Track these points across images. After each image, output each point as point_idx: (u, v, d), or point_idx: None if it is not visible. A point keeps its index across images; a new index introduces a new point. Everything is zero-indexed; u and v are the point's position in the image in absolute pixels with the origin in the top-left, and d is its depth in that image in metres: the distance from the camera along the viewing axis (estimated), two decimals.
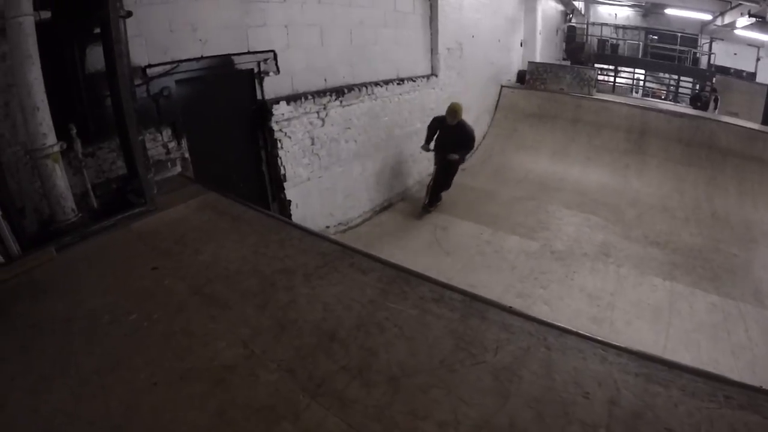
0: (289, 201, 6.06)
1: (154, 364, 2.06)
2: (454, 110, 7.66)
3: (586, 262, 7.04)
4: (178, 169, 4.35)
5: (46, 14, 3.10)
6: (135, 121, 3.57)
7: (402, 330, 2.25)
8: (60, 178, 3.23)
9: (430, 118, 8.48)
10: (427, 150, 7.97)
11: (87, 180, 3.56)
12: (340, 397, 1.86)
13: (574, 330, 2.34)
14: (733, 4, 18.11)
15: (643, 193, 10.02)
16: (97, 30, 3.53)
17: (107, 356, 2.11)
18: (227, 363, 2.04)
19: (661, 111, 11.68)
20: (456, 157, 7.74)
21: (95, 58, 3.68)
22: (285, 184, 5.98)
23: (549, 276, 6.51)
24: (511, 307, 2.48)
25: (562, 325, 2.37)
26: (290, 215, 6.09)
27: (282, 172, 5.91)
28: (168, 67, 4.37)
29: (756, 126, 11.55)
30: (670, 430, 1.81)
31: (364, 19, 7.21)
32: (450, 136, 7.76)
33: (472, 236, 7.44)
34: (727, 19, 19.67)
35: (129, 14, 3.64)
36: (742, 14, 17.94)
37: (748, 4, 16.67)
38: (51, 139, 3.14)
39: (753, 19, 17.58)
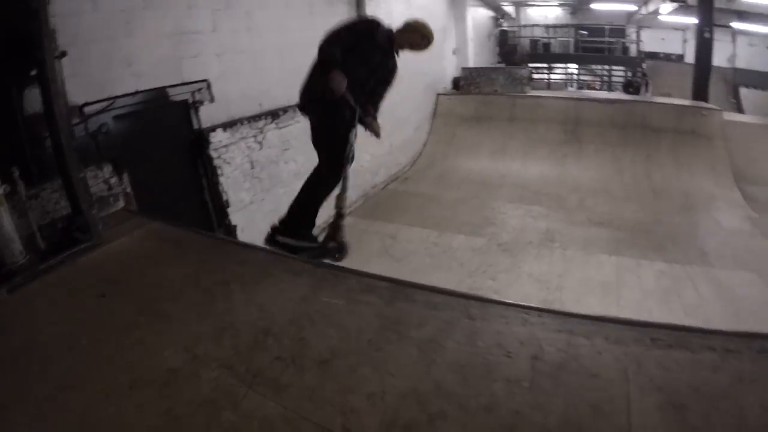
0: (234, 226, 6.26)
1: (106, 380, 2.28)
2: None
3: (532, 250, 7.50)
4: (122, 203, 4.51)
5: None
6: (75, 160, 3.74)
7: (331, 319, 2.54)
8: (6, 221, 3.34)
9: (368, 133, 8.72)
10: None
11: (32, 222, 3.65)
12: (275, 384, 2.13)
13: (496, 299, 2.67)
14: None
15: (583, 179, 10.63)
16: (34, 72, 3.68)
17: (62, 380, 2.30)
18: (172, 367, 2.28)
19: (593, 100, 12.47)
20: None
21: (33, 99, 3.80)
22: (228, 210, 6.20)
23: (497, 268, 6.92)
24: (436, 286, 2.80)
25: (484, 296, 2.69)
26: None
27: (224, 198, 6.12)
28: (105, 103, 4.57)
29: (686, 102, 12.48)
30: (596, 375, 2.11)
31: (293, 41, 7.47)
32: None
33: (421, 240, 7.82)
34: (651, 7, 20.84)
35: (63, 54, 3.83)
36: (664, 1, 19.01)
37: None
38: None
39: (675, 4, 18.67)
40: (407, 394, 2.03)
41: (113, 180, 4.49)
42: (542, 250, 7.46)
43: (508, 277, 6.68)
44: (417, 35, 4.06)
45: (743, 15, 21.51)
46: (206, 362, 2.31)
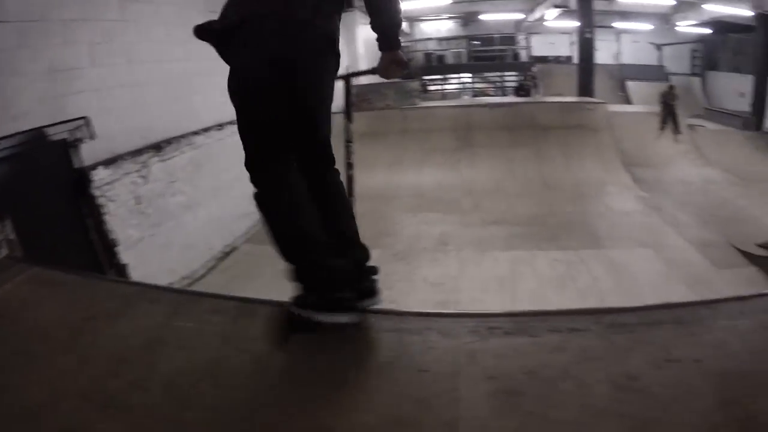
0: (125, 265, 6.32)
1: None
2: None
3: (427, 255, 8.05)
4: (5, 251, 4.61)
5: None
6: None
7: (181, 340, 2.85)
8: None
9: None
10: None
11: None
12: (125, 407, 2.41)
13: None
14: (538, 1, 20.82)
15: (477, 182, 11.43)
16: None
17: None
18: (36, 402, 2.53)
19: (482, 105, 13.52)
20: None
21: None
22: (117, 249, 6.26)
23: (393, 277, 7.22)
24: (278, 300, 3.13)
25: None
26: (128, 279, 6.32)
27: (111, 236, 6.20)
28: None
29: (572, 99, 13.89)
30: (425, 371, 2.27)
31: (178, 71, 7.76)
32: None
33: None
34: (537, 14, 22.56)
35: None
36: (548, 7, 20.69)
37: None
38: None
39: (559, 10, 20.36)
40: (242, 405, 2.36)
41: None
42: (437, 255, 8.00)
43: (404, 286, 7.07)
44: None
45: (625, 15, 23.82)
46: (66, 395, 2.55)
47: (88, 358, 2.73)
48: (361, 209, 9.16)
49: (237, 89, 2.34)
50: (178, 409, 2.27)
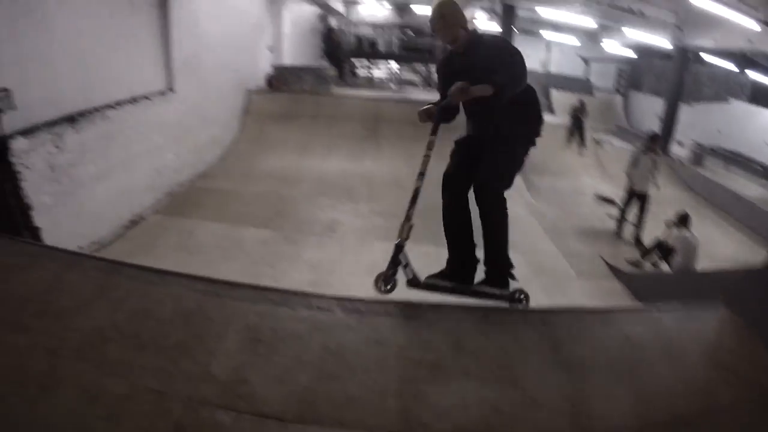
0: (38, 228, 6.99)
1: None
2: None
3: (313, 239, 8.99)
4: None
5: None
6: None
7: (68, 288, 3.69)
8: None
9: (172, 132, 10.61)
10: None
11: None
12: (26, 328, 3.18)
13: (171, 270, 3.97)
14: (468, 2, 21.97)
15: (377, 173, 12.45)
16: None
17: None
18: None
19: (392, 100, 14.49)
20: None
21: None
22: (32, 213, 6.94)
23: (279, 257, 8.27)
24: (137, 264, 4.10)
25: (164, 269, 3.99)
26: (41, 241, 6.96)
27: (26, 201, 6.88)
28: None
29: None
30: (211, 320, 3.34)
31: (94, 46, 8.44)
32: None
33: (214, 235, 9.01)
34: (469, 15, 23.66)
35: None
36: (477, 10, 21.93)
37: (478, 2, 20.59)
38: None
39: (487, 14, 21.58)
40: (96, 329, 3.25)
41: None
42: (323, 240, 8.94)
43: (287, 266, 7.96)
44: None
45: (556, 26, 25.23)
46: None
47: (2, 298, 3.67)
48: (263, 189, 10.28)
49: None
50: (60, 331, 3.23)
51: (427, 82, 24.70)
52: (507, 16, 18.21)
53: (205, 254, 8.37)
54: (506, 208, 3.81)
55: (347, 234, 9.36)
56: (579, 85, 26.95)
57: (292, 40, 19.02)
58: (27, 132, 7.02)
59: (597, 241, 11.12)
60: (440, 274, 3.96)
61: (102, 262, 4.23)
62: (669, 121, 19.70)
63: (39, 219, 7.08)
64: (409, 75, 26.60)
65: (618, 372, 3.11)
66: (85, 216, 8.20)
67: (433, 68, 24.54)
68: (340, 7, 24.53)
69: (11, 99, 6.66)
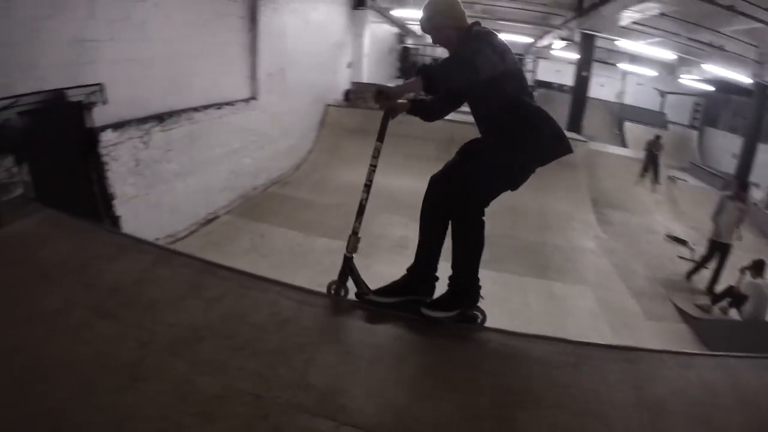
0: (119, 216, 7.21)
1: (9, 315, 3.26)
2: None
3: (384, 254, 8.77)
4: (20, 191, 5.43)
5: None
6: None
7: (159, 282, 3.83)
8: None
9: (251, 138, 10.60)
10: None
11: None
12: (116, 317, 3.36)
13: (265, 277, 4.00)
14: (547, 30, 21.55)
15: None
16: None
17: None
18: (54, 309, 3.41)
19: (467, 123, 14.18)
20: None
21: None
22: (114, 202, 7.15)
23: None
24: (229, 266, 4.13)
25: (258, 274, 4.03)
26: (121, 230, 7.14)
27: (110, 191, 7.09)
28: (10, 101, 5.46)
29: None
30: (306, 328, 3.40)
31: (185, 52, 8.68)
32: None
33: (286, 241, 9.03)
34: (545, 42, 23.23)
35: None
36: (554, 38, 21.43)
37: (557, 30, 20.07)
38: None
39: (564, 42, 21.04)
40: (189, 326, 3.32)
41: (14, 169, 5.47)
42: (393, 255, 8.65)
43: None
44: None
45: (633, 58, 24.43)
46: (77, 305, 3.49)
47: (92, 284, 3.78)
48: (335, 200, 10.17)
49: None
50: (151, 324, 3.32)
51: None
52: (586, 45, 17.71)
53: (277, 258, 8.41)
54: (479, 225, 3.55)
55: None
56: (653, 118, 25.76)
57: (371, 58, 19.13)
58: (117, 126, 7.22)
59: (667, 282, 10.55)
60: (392, 285, 3.78)
61: (193, 260, 4.29)
62: (746, 160, 18.43)
63: (120, 208, 7.27)
64: None
65: (696, 416, 2.98)
66: (164, 209, 8.39)
67: None
68: (417, 28, 24.54)
69: (104, 94, 6.87)
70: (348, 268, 3.69)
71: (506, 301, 7.65)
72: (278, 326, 3.35)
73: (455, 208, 3.46)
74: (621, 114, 25.60)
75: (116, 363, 2.93)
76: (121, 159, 7.32)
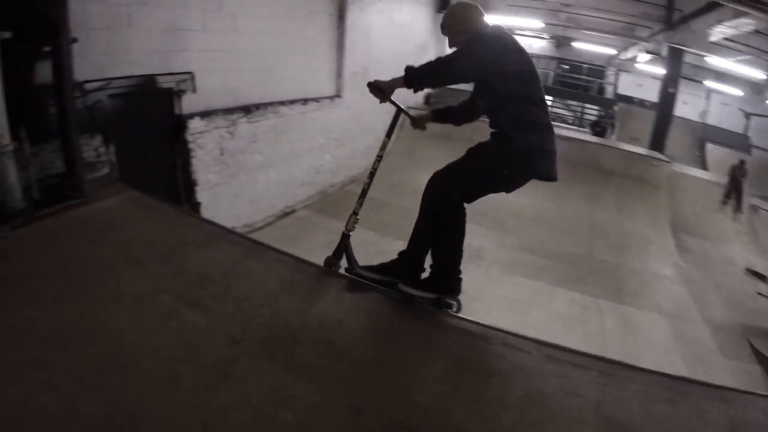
0: (200, 203, 7.16)
1: (94, 295, 3.23)
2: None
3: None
4: (106, 170, 5.41)
5: (6, 34, 4.06)
6: (76, 127, 4.67)
7: (251, 276, 3.60)
8: (12, 171, 4.13)
9: (333, 135, 10.36)
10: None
11: (32, 175, 4.41)
12: (206, 309, 3.15)
13: (353, 279, 3.72)
14: (632, 42, 20.52)
15: (527, 207, 11.48)
16: (46, 48, 4.54)
17: (61, 293, 3.22)
18: (141, 292, 3.26)
19: None
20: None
21: (43, 72, 4.63)
22: (196, 188, 7.11)
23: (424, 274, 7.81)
24: (322, 266, 3.84)
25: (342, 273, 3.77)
26: (201, 215, 7.11)
27: (194, 177, 7.03)
28: (102, 83, 5.45)
29: (639, 150, 13.53)
30: (410, 339, 3.14)
31: (274, 46, 8.54)
32: None
33: (361, 240, 8.57)
34: (630, 54, 22.09)
35: (75, 40, 4.68)
36: (640, 51, 20.36)
37: (643, 43, 19.05)
38: (6, 139, 4.07)
39: (650, 56, 19.98)
40: (284, 326, 3.07)
41: (102, 149, 5.41)
42: (469, 265, 8.30)
43: None
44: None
45: (719, 75, 22.87)
46: (164, 291, 3.30)
47: (180, 271, 3.56)
48: (411, 203, 9.68)
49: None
50: (243, 320, 3.07)
51: (579, 120, 23.38)
52: (673, 60, 16.67)
53: None
54: (457, 219, 3.52)
55: (493, 263, 8.78)
56: (737, 141, 23.77)
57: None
58: (204, 115, 7.15)
59: (744, 319, 9.66)
60: (380, 265, 3.78)
61: (286, 257, 4.05)
62: None
63: (201, 195, 7.23)
64: (561, 110, 25.44)
65: None
66: (243, 199, 8.29)
67: (587, 107, 23.23)
68: None
69: (194, 83, 6.83)
70: (344, 245, 3.74)
71: (584, 324, 7.32)
72: (380, 334, 3.16)
73: (437, 198, 3.47)
74: (703, 134, 24.01)
75: (205, 358, 2.74)
76: (207, 147, 7.25)
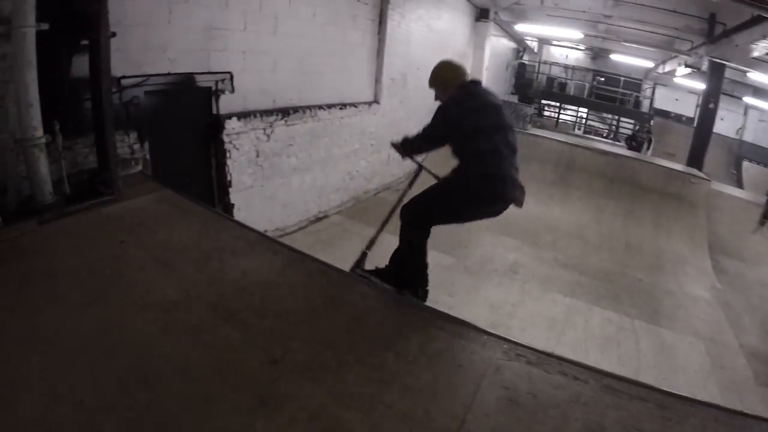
0: (233, 204, 6.98)
1: (121, 300, 3.02)
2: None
3: (495, 277, 8.11)
4: (140, 167, 5.24)
5: (44, 26, 3.91)
6: (111, 122, 4.50)
7: (292, 289, 3.34)
8: (43, 164, 4.00)
9: (369, 141, 9.96)
10: None
11: (63, 169, 4.29)
12: (243, 323, 2.90)
13: (403, 298, 3.47)
14: (672, 55, 19.91)
15: (563, 221, 11.20)
16: (84, 42, 4.41)
17: (87, 295, 3.03)
18: (172, 300, 3.03)
19: (587, 148, 13.11)
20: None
21: (79, 66, 4.54)
22: (230, 190, 6.92)
23: (458, 287, 7.51)
24: (371, 279, 3.57)
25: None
26: (233, 217, 6.94)
27: (228, 178, 6.84)
28: (139, 79, 5.29)
29: (677, 166, 13.06)
30: (461, 366, 2.89)
31: (314, 49, 8.31)
32: None
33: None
34: (668, 68, 21.43)
35: (113, 35, 4.51)
36: (679, 64, 19.72)
37: (683, 56, 18.44)
38: (39, 131, 3.93)
39: (689, 69, 19.34)
40: (328, 346, 2.80)
41: (136, 146, 5.22)
42: (504, 279, 8.03)
43: (465, 297, 7.21)
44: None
45: (758, 91, 22.06)
46: (197, 301, 3.06)
47: (215, 279, 3.32)
48: None
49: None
50: (284, 338, 2.83)
51: (614, 134, 22.84)
52: (714, 75, 16.02)
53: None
54: (412, 237, 3.87)
55: (529, 279, 8.40)
56: None
57: (490, 72, 18.17)
58: (242, 116, 6.96)
59: None
60: (376, 269, 4.09)
61: (329, 269, 3.84)
62: None
63: (234, 196, 7.04)
64: (596, 123, 24.91)
65: None
66: (277, 202, 8.07)
67: (622, 120, 22.68)
68: (534, 45, 23.52)
69: (232, 83, 6.68)
70: (362, 258, 4.18)
71: (618, 345, 6.97)
72: (429, 360, 2.87)
73: (403, 215, 3.86)
74: (739, 152, 23.24)
75: (241, 379, 2.51)
76: (243, 148, 7.06)
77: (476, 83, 4.15)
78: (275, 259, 3.75)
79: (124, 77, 5.14)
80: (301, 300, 3.24)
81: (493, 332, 3.29)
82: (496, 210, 3.91)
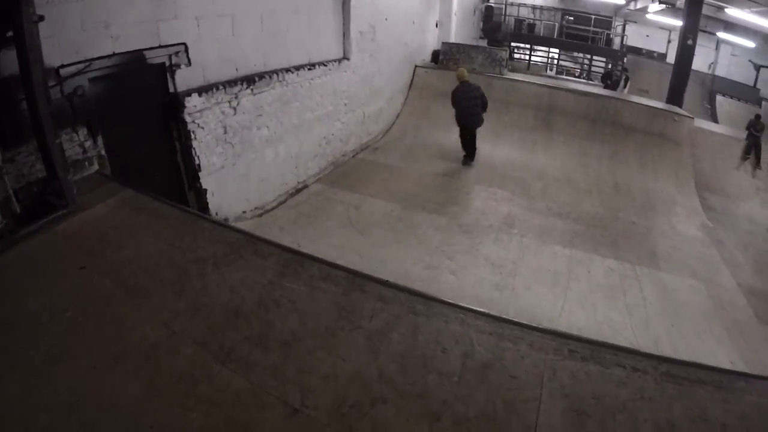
0: (205, 189, 6.40)
1: (92, 351, 2.48)
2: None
3: (491, 234, 7.77)
4: (96, 167, 4.61)
5: None
6: (51, 124, 3.81)
7: (295, 304, 2.79)
8: None
9: (342, 101, 9.40)
10: None
11: (8, 186, 3.71)
12: (245, 362, 2.38)
13: (439, 297, 2.94)
14: None
15: (549, 167, 10.97)
16: (9, 33, 3.71)
17: (50, 351, 2.49)
18: (152, 342, 2.50)
19: (568, 90, 12.68)
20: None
21: (8, 61, 3.82)
22: (200, 174, 6.31)
23: (455, 248, 7.17)
24: (387, 280, 3.06)
25: (429, 294, 2.96)
26: (207, 203, 6.44)
27: (196, 162, 6.22)
28: (81, 66, 4.59)
29: (659, 104, 12.75)
30: (515, 377, 2.41)
31: (276, 8, 7.59)
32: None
33: (384, 214, 7.99)
34: (640, 4, 20.90)
35: (41, 18, 3.79)
36: (653, 0, 19.13)
37: None
38: None
39: (663, 6, 18.78)
40: (355, 377, 2.30)
41: (88, 143, 4.58)
42: (501, 235, 7.71)
43: (465, 259, 6.90)
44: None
45: (729, 26, 21.68)
46: (183, 339, 2.53)
47: (200, 305, 2.76)
48: (430, 169, 9.04)
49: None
50: (299, 375, 2.32)
51: (587, 73, 22.31)
52: (692, 10, 15.40)
53: (378, 236, 7.37)
54: (461, 137, 10.84)
55: (525, 232, 8.07)
56: (747, 93, 22.43)
57: (459, 17, 17.38)
58: (203, 90, 6.29)
59: None
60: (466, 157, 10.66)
61: (336, 270, 3.23)
62: None
63: (206, 180, 6.45)
64: (568, 63, 24.32)
65: None
66: (252, 180, 7.49)
67: (594, 58, 22.20)
68: None
69: (188, 54, 6.00)
70: (466, 160, 10.69)
71: (624, 294, 6.78)
72: (477, 375, 2.40)
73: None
74: (712, 86, 22.87)
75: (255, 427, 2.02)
76: (208, 126, 6.42)
77: (467, 83, 10.10)
78: (266, 265, 3.20)
79: (62, 66, 4.46)
80: (308, 319, 2.71)
81: (538, 326, 2.86)
82: (469, 123, 10.21)
